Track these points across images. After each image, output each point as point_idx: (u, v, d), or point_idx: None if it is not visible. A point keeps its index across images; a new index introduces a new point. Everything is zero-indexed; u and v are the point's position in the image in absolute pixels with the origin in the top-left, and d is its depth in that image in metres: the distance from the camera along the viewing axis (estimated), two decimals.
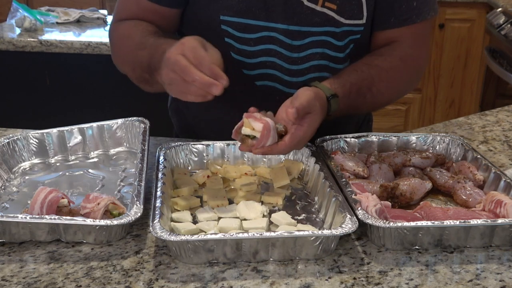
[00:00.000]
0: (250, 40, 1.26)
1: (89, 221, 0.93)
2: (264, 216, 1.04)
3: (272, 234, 0.90)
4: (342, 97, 1.18)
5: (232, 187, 1.16)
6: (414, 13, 1.28)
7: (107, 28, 2.79)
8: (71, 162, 1.26)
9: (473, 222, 0.95)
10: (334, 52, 1.29)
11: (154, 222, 0.92)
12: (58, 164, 1.25)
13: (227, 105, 1.25)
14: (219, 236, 0.90)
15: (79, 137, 1.28)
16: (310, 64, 1.28)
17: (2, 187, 1.13)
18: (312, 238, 0.91)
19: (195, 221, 1.02)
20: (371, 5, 1.26)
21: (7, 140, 1.22)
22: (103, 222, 0.93)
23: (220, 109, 1.30)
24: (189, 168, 1.23)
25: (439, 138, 1.30)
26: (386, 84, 1.28)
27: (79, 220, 0.93)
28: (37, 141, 1.25)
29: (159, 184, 1.05)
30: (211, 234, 0.94)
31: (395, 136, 1.30)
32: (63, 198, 1.01)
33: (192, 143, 1.25)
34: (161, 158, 1.16)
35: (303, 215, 1.06)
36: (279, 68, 1.28)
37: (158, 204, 0.98)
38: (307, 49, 1.27)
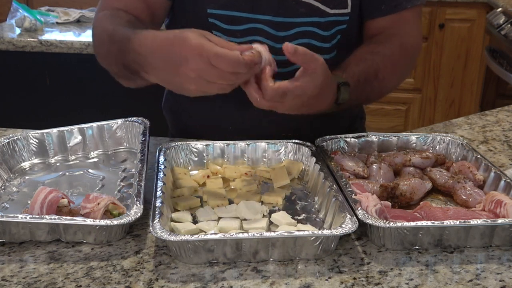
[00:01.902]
0: (237, 32, 1.27)
1: (89, 221, 0.93)
2: (264, 216, 1.04)
3: (272, 234, 0.90)
4: (353, 86, 1.18)
5: (232, 187, 1.16)
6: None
7: None
8: (71, 162, 1.26)
9: (473, 222, 0.95)
10: (320, 43, 1.30)
11: (154, 222, 0.92)
12: (58, 164, 1.25)
13: (217, 97, 1.24)
14: (219, 236, 0.90)
15: (79, 137, 1.28)
16: None
17: (2, 187, 1.13)
18: (312, 238, 0.91)
19: (195, 221, 1.02)
20: None
21: (7, 140, 1.22)
22: (103, 222, 0.93)
23: (211, 101, 1.28)
24: (189, 168, 1.23)
25: (439, 138, 1.30)
26: (390, 70, 1.29)
27: (79, 220, 0.93)
28: (37, 141, 1.25)
29: (159, 184, 1.05)
30: (211, 234, 0.94)
31: (395, 136, 1.30)
32: (63, 198, 1.01)
33: (192, 143, 1.25)
34: (161, 158, 1.16)
35: (303, 215, 1.06)
36: None
37: (158, 204, 0.98)
38: (292, 40, 1.27)
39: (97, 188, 1.14)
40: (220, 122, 1.39)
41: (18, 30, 2.66)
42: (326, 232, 0.92)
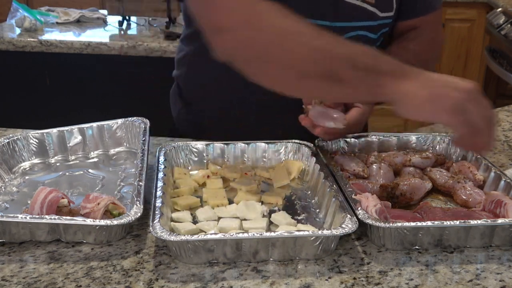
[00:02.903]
0: None
1: (89, 221, 0.93)
2: (264, 216, 1.04)
3: (272, 234, 0.90)
4: None
5: (232, 187, 1.16)
6: (434, 0, 1.38)
7: (107, 28, 2.80)
8: (71, 162, 1.26)
9: (473, 222, 0.95)
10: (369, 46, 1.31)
11: (154, 222, 0.92)
12: (58, 164, 1.25)
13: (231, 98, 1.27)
14: (219, 236, 0.90)
15: (79, 137, 1.29)
16: None
17: (2, 187, 1.13)
18: (312, 238, 0.91)
19: (195, 221, 1.02)
20: None
21: (7, 140, 1.22)
22: (103, 222, 0.93)
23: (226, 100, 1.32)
24: (189, 168, 1.23)
25: (439, 138, 1.30)
26: (420, 66, 1.30)
27: (79, 220, 0.93)
28: (37, 141, 1.25)
29: (159, 184, 1.05)
30: (211, 234, 0.94)
31: (395, 136, 1.30)
32: (63, 198, 1.01)
33: (192, 143, 1.25)
34: (161, 158, 1.16)
35: (303, 215, 1.06)
36: None
37: (158, 204, 0.98)
38: None
39: (97, 188, 1.14)
40: (226, 116, 1.39)
41: (18, 30, 2.66)
42: (326, 232, 0.92)
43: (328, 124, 1.16)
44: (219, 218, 1.03)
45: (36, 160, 1.25)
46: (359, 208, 0.98)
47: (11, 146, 1.22)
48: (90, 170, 1.22)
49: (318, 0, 1.24)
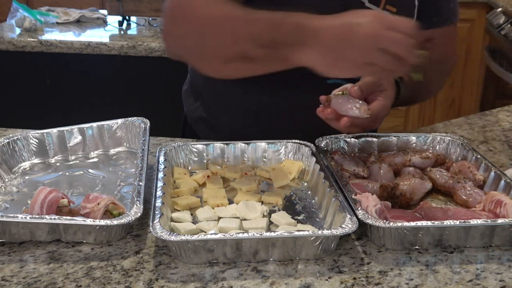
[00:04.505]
0: None
1: (89, 221, 0.93)
2: (264, 216, 1.04)
3: (272, 234, 0.90)
4: (406, 84, 1.25)
5: (232, 187, 1.16)
6: (452, 14, 1.37)
7: (107, 28, 2.80)
8: (71, 162, 1.26)
9: (473, 222, 0.95)
10: None
11: (154, 222, 0.92)
12: (58, 164, 1.25)
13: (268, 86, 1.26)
14: (219, 236, 0.90)
15: (79, 137, 1.29)
16: None
17: (2, 187, 1.13)
18: (312, 238, 0.91)
19: (195, 221, 1.02)
20: (418, 6, 1.31)
21: (7, 140, 1.22)
22: (103, 222, 0.93)
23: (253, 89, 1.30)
24: (189, 168, 1.23)
25: (439, 138, 1.30)
26: (434, 74, 1.35)
27: (79, 220, 0.93)
28: (37, 141, 1.25)
29: (159, 184, 1.05)
30: (211, 234, 0.94)
31: (395, 136, 1.30)
32: (63, 198, 1.01)
33: (192, 143, 1.25)
34: (161, 158, 1.16)
35: (303, 215, 1.06)
36: None
37: (158, 204, 0.98)
38: None
39: (97, 188, 1.14)
40: (232, 113, 1.39)
41: (18, 30, 2.66)
42: (326, 232, 0.92)
43: (353, 112, 1.11)
44: (219, 218, 1.03)
45: (36, 160, 1.25)
46: (359, 208, 0.98)
47: (11, 146, 1.22)
48: (90, 170, 1.22)
49: (344, 8, 1.13)
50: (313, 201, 1.11)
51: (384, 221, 0.94)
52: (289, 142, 1.25)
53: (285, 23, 1.00)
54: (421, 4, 1.32)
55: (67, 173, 1.21)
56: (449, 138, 1.28)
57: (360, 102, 1.13)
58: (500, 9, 3.10)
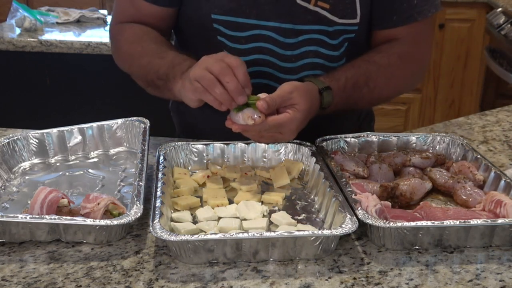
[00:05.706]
0: (242, 38, 1.27)
1: (89, 221, 0.93)
2: (264, 216, 1.04)
3: (272, 234, 0.90)
4: (337, 90, 1.21)
5: (232, 187, 1.16)
6: (415, 11, 1.29)
7: (107, 28, 2.79)
8: (71, 162, 1.26)
9: (473, 222, 0.95)
10: (328, 51, 1.30)
11: (154, 222, 0.92)
12: (58, 164, 1.25)
13: None
14: (219, 236, 0.90)
15: (79, 137, 1.28)
16: (304, 62, 1.29)
17: (2, 187, 1.13)
18: (312, 238, 0.91)
19: (195, 221, 1.02)
20: (366, 4, 1.27)
21: (7, 140, 1.22)
22: (103, 222, 0.93)
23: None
24: (189, 168, 1.23)
25: (439, 138, 1.30)
26: (384, 80, 1.29)
27: (79, 220, 0.93)
28: (37, 141, 1.25)
29: (159, 184, 1.05)
30: (211, 234, 0.94)
31: (395, 136, 1.30)
32: (63, 198, 1.02)
33: (192, 143, 1.25)
34: (161, 158, 1.16)
35: (303, 215, 1.06)
36: (273, 66, 1.29)
37: (158, 204, 0.98)
38: (300, 47, 1.28)
39: (97, 188, 1.14)
40: (222, 120, 1.38)
41: (18, 30, 2.66)
42: (326, 232, 0.92)
43: (237, 120, 1.11)
44: (219, 218, 1.03)
45: (36, 160, 1.25)
46: (359, 208, 0.98)
47: (11, 146, 1.22)
48: (90, 170, 1.22)
49: (276, 2, 1.23)
50: (313, 201, 1.11)
51: (384, 221, 0.94)
52: (289, 142, 1.25)
53: (182, 64, 1.19)
54: (377, 3, 1.28)
55: (67, 173, 1.21)
56: (449, 138, 1.28)
57: (255, 112, 1.10)
58: (500, 9, 3.09)
